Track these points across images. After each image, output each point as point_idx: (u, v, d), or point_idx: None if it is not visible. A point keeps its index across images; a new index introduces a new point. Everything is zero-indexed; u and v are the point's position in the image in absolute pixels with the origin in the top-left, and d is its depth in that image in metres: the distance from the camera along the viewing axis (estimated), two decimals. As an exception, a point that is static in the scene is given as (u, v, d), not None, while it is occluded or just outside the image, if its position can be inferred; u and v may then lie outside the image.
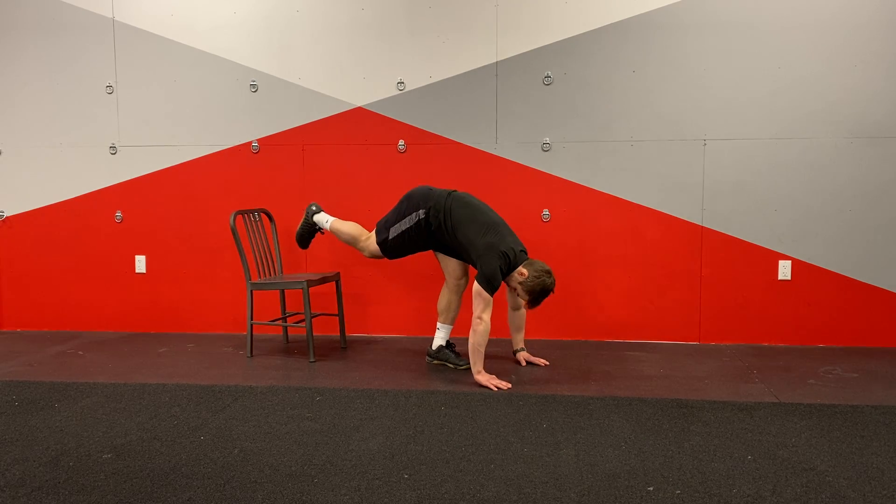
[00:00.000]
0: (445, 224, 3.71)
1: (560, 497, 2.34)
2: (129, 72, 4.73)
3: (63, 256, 4.90)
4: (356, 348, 4.38)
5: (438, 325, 3.97)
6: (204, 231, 4.76)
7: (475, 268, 3.63)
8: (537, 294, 3.57)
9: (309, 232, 4.21)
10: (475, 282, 3.55)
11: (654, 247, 4.43)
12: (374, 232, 3.98)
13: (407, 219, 3.80)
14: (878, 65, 4.20)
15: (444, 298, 3.97)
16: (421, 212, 3.76)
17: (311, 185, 4.66)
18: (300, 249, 4.61)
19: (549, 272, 3.58)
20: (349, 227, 4.09)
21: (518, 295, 3.64)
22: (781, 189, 4.32)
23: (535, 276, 3.55)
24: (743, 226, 4.36)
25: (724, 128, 4.33)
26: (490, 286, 3.52)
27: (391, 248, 3.90)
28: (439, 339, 3.96)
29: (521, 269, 3.58)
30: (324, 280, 4.21)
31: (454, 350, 3.96)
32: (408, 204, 3.83)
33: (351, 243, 4.10)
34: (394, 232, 3.84)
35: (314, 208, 4.20)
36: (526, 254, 3.67)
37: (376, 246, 3.94)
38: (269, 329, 4.75)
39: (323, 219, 4.15)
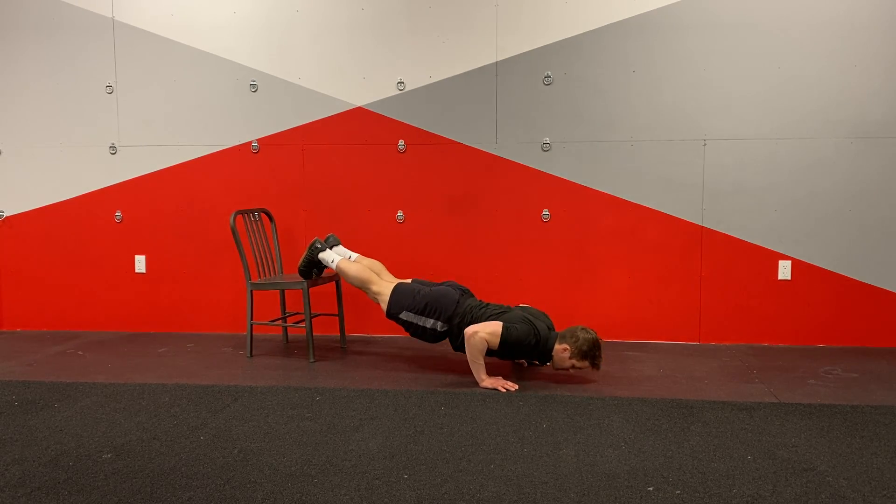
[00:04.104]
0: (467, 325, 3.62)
1: (560, 497, 2.34)
2: (129, 72, 4.73)
3: (63, 256, 4.90)
4: (356, 348, 4.38)
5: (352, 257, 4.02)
6: (204, 231, 4.76)
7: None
8: (590, 352, 3.47)
9: (310, 266, 4.03)
10: (503, 326, 3.46)
11: (654, 247, 4.43)
12: (388, 288, 3.79)
13: (424, 318, 3.69)
14: (877, 65, 4.20)
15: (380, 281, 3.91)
16: (440, 325, 3.67)
17: (311, 185, 4.66)
18: (300, 249, 4.60)
19: (582, 328, 3.52)
20: (356, 270, 3.88)
21: (579, 368, 3.53)
22: (781, 189, 4.32)
23: (575, 340, 3.48)
24: (743, 226, 4.36)
25: (724, 128, 4.33)
26: (506, 346, 3.46)
27: (397, 322, 3.79)
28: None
29: (559, 346, 3.51)
30: (324, 280, 4.21)
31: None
32: (433, 305, 3.68)
33: (358, 287, 3.91)
34: (405, 316, 3.73)
35: (318, 245, 4.00)
36: (554, 332, 3.62)
37: (385, 305, 3.79)
38: (269, 329, 4.75)
39: (329, 258, 3.96)
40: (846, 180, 4.28)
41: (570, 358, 3.50)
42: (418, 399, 3.34)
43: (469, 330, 3.48)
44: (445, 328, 3.69)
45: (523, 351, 3.54)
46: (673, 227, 4.41)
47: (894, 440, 2.81)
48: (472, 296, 3.85)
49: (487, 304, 3.72)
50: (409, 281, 3.91)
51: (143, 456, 2.69)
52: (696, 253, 4.40)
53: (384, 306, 3.80)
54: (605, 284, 4.48)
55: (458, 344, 3.69)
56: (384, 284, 3.84)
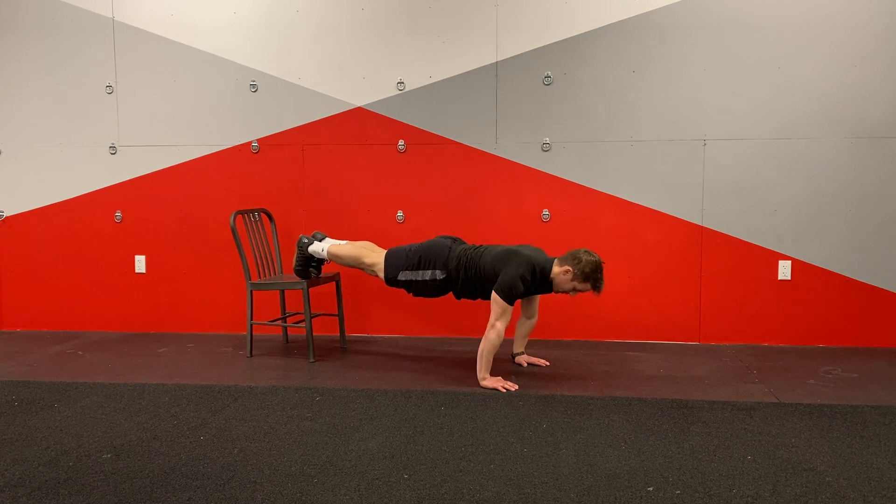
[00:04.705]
0: (468, 272, 3.61)
1: (560, 497, 2.34)
2: (129, 72, 4.73)
3: (63, 256, 4.90)
4: (356, 348, 4.38)
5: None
6: (204, 231, 4.76)
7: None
8: (592, 274, 3.48)
9: (305, 264, 4.04)
10: (497, 293, 3.47)
11: (654, 247, 4.43)
12: (380, 256, 3.82)
13: (421, 272, 3.68)
14: (877, 64, 4.20)
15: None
16: (439, 272, 3.65)
17: (311, 185, 4.66)
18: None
19: (585, 251, 3.52)
20: (348, 249, 3.90)
21: (580, 290, 3.53)
22: (781, 189, 4.32)
23: (577, 262, 3.48)
24: (743, 226, 4.36)
25: (724, 128, 4.33)
26: (508, 295, 3.45)
27: (398, 286, 3.79)
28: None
29: (559, 268, 3.51)
30: (324, 280, 4.21)
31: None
32: (426, 256, 3.68)
33: (354, 266, 3.92)
34: (403, 276, 3.72)
35: (305, 240, 4.01)
36: (549, 257, 3.61)
37: (381, 273, 3.80)
38: (269, 329, 4.75)
39: (318, 248, 3.97)
40: (846, 180, 4.28)
41: (572, 280, 3.50)
42: (418, 399, 3.34)
43: (488, 327, 3.47)
44: (444, 275, 3.66)
45: (527, 286, 3.51)
46: (673, 227, 4.41)
47: (894, 440, 2.81)
48: (464, 242, 3.84)
49: (481, 246, 3.72)
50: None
51: (143, 456, 2.69)
52: (696, 253, 4.40)
53: (381, 274, 3.80)
54: (605, 284, 4.47)
55: (460, 290, 3.68)
56: (376, 255, 3.84)
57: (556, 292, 3.62)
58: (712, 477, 2.48)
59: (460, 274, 3.64)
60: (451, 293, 3.77)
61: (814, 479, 2.45)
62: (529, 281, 3.51)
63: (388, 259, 3.78)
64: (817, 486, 2.41)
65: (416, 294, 3.78)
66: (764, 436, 2.85)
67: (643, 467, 2.56)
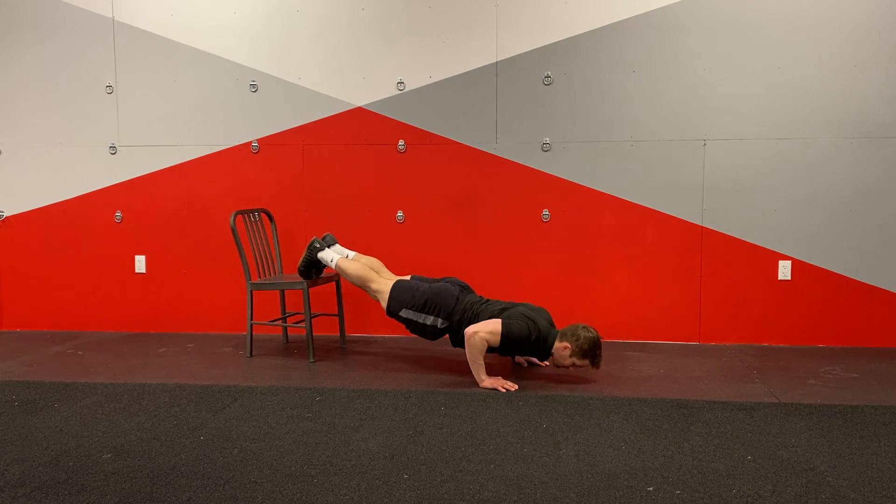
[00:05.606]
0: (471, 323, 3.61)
1: (560, 497, 2.34)
2: (129, 72, 4.73)
3: (63, 256, 4.90)
4: (356, 348, 4.38)
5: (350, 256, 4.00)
6: (204, 231, 4.76)
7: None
8: (590, 351, 3.47)
9: (310, 266, 4.03)
10: (501, 322, 3.45)
11: (654, 247, 4.43)
12: (387, 286, 3.79)
13: (424, 315, 3.68)
14: (877, 65, 4.20)
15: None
16: (441, 321, 3.66)
17: (311, 185, 4.66)
18: (300, 249, 4.60)
19: (583, 327, 3.52)
20: (356, 268, 3.88)
21: (579, 367, 3.53)
22: (781, 189, 4.32)
23: (576, 339, 3.47)
24: (743, 226, 4.36)
25: (724, 128, 4.33)
26: (507, 337, 3.44)
27: (398, 320, 3.78)
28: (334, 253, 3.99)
29: (559, 343, 3.50)
30: (324, 280, 4.21)
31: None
32: (432, 301, 3.67)
33: (358, 286, 3.90)
34: (405, 314, 3.72)
35: (317, 245, 4.00)
36: (555, 330, 3.61)
37: (384, 303, 3.79)
38: (269, 329, 4.75)
39: (328, 256, 3.96)
40: (846, 180, 4.28)
41: (571, 356, 3.50)
42: (418, 399, 3.34)
43: (469, 330, 3.47)
44: (446, 325, 3.67)
45: (523, 347, 3.54)
46: (673, 227, 4.41)
47: (894, 440, 2.81)
48: (472, 291, 3.85)
49: (487, 301, 3.72)
50: (408, 278, 3.90)
51: (143, 456, 2.69)
52: (696, 253, 4.40)
53: (384, 304, 3.80)
54: (605, 284, 4.48)
55: (458, 340, 3.69)
56: (383, 282, 3.84)
57: (556, 366, 3.61)
58: (712, 477, 2.48)
59: (462, 327, 3.63)
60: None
61: (814, 479, 2.45)
62: (531, 343, 3.51)
63: (394, 292, 3.76)
64: (817, 486, 2.41)
65: (413, 332, 3.79)
66: (764, 436, 2.85)
67: (643, 467, 2.56)
